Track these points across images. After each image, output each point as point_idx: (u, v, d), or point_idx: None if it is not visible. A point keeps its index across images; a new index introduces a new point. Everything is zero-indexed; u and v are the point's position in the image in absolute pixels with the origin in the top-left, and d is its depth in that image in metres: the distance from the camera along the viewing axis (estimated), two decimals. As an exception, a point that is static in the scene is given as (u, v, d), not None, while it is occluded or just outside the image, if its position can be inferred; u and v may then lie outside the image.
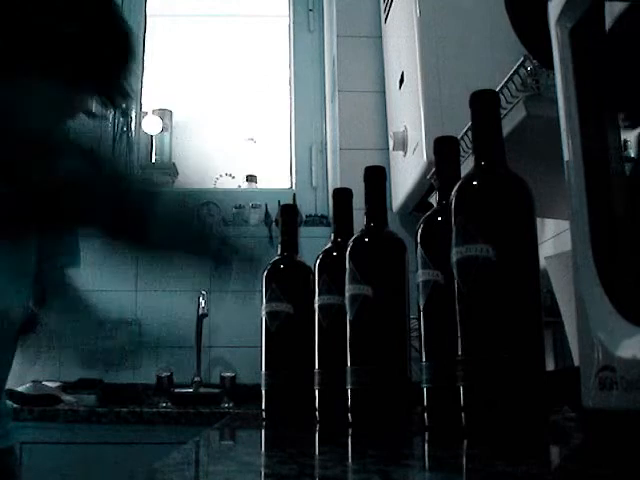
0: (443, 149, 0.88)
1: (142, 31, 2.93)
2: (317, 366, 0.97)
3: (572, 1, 0.59)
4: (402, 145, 2.04)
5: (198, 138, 2.93)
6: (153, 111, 2.91)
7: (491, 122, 0.73)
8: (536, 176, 1.10)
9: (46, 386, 2.15)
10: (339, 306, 0.92)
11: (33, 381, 2.13)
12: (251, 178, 2.89)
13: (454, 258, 0.70)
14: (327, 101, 2.86)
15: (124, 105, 1.13)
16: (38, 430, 1.90)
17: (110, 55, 1.04)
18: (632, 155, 0.77)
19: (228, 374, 2.44)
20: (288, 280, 1.04)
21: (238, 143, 2.96)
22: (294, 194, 2.73)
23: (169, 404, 2.32)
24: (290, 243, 1.06)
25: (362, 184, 0.93)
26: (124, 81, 1.08)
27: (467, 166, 0.76)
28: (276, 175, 2.90)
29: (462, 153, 1.04)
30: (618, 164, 0.58)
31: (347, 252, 0.90)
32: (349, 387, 0.86)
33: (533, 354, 0.66)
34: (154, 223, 0.93)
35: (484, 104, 0.74)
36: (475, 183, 0.71)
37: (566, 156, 0.59)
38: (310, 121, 2.88)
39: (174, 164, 2.90)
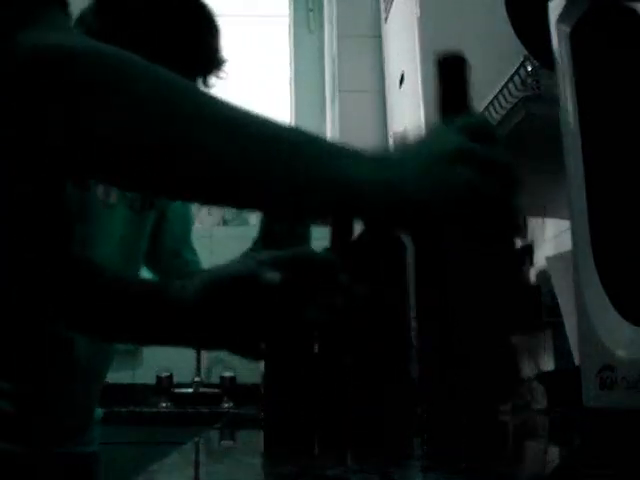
0: (443, 149, 0.88)
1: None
2: (317, 366, 0.97)
3: (572, 1, 0.59)
4: (402, 145, 2.04)
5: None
6: (153, 111, 2.90)
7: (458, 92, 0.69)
8: (536, 176, 1.10)
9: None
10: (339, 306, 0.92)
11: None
12: (251, 178, 2.89)
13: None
14: (327, 101, 2.86)
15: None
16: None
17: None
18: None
19: (228, 374, 2.43)
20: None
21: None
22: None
23: (169, 404, 2.32)
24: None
25: (362, 184, 0.92)
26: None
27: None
28: (276, 175, 2.90)
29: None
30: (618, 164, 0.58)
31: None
32: (349, 387, 0.86)
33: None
34: None
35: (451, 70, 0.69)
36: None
37: (566, 156, 0.59)
38: (310, 121, 2.88)
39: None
